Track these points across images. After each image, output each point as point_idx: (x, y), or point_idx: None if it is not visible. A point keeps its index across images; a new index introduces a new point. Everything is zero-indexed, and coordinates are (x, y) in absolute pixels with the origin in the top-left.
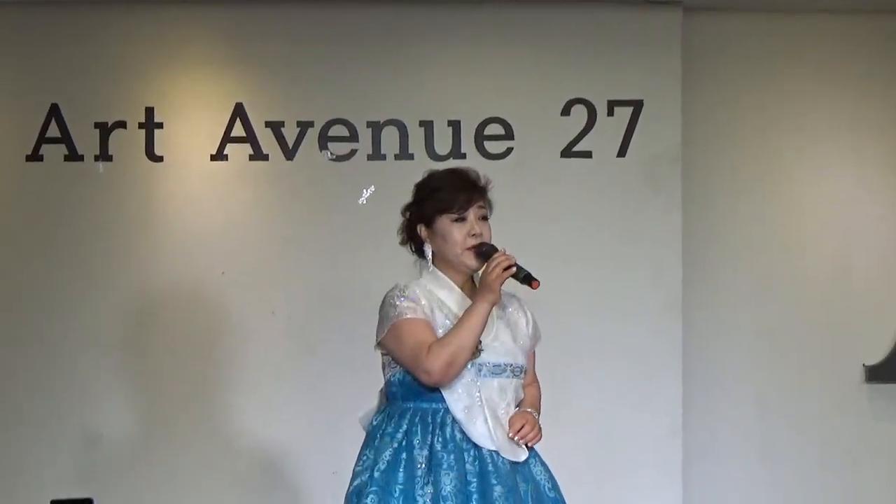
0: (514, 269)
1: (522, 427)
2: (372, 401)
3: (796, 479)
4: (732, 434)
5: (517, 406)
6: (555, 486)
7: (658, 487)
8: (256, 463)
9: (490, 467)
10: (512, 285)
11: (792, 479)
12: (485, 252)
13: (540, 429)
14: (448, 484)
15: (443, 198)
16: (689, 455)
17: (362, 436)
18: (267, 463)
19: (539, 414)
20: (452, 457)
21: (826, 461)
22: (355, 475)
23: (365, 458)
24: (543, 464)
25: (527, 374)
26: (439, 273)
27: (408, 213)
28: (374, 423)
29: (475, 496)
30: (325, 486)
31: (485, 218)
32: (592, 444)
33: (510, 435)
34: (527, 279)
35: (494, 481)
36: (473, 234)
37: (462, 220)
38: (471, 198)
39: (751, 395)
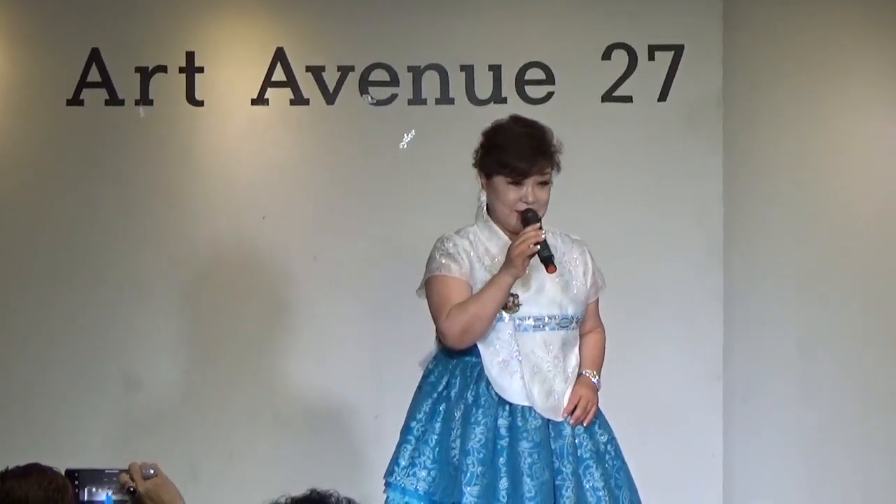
0: (539, 247)
1: (575, 408)
2: (425, 345)
3: (839, 422)
4: (774, 377)
5: (574, 358)
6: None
7: (698, 431)
8: (299, 407)
9: (519, 422)
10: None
11: (834, 422)
12: (527, 218)
13: (596, 401)
14: (473, 438)
15: (504, 161)
16: (729, 398)
17: (405, 381)
18: (309, 407)
19: (600, 368)
20: (481, 412)
21: (869, 404)
22: (406, 418)
23: (413, 403)
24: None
25: (585, 322)
26: (492, 224)
27: (475, 156)
28: (428, 368)
29: (506, 451)
30: (367, 430)
31: (545, 183)
32: (631, 387)
33: (563, 416)
34: (546, 260)
35: (523, 436)
36: (526, 201)
37: (518, 184)
38: (531, 167)
39: (793, 338)
